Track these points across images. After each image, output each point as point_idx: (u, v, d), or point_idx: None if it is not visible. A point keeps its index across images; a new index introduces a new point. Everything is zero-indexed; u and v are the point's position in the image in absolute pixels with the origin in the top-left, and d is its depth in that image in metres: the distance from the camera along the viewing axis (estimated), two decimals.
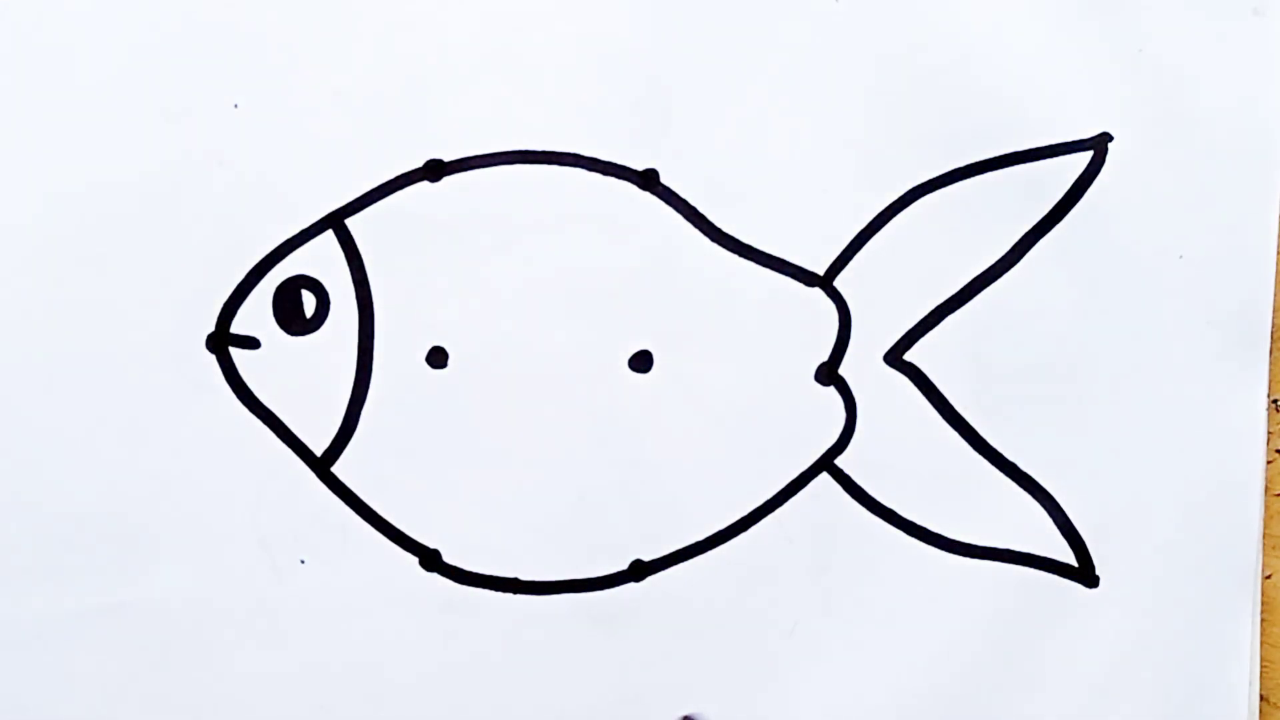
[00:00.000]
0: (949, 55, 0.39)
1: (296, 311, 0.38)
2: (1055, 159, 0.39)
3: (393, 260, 0.38)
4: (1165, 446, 0.39)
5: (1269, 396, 0.39)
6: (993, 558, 0.39)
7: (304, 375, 0.38)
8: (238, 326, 0.38)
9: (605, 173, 0.38)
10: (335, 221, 0.38)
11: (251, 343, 0.38)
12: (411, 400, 0.38)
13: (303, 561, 0.37)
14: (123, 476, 0.37)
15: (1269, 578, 0.39)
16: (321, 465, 0.38)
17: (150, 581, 0.37)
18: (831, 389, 0.39)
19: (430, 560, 0.38)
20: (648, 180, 0.39)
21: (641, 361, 0.39)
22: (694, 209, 0.39)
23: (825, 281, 0.39)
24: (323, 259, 0.38)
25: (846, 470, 0.39)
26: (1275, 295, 0.39)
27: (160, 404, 0.37)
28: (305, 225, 0.38)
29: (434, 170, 0.38)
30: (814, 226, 0.39)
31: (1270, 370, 0.39)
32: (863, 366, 0.39)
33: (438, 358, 0.38)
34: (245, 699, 0.37)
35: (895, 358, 0.39)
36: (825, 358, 0.39)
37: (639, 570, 0.38)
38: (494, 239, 0.38)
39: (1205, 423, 0.39)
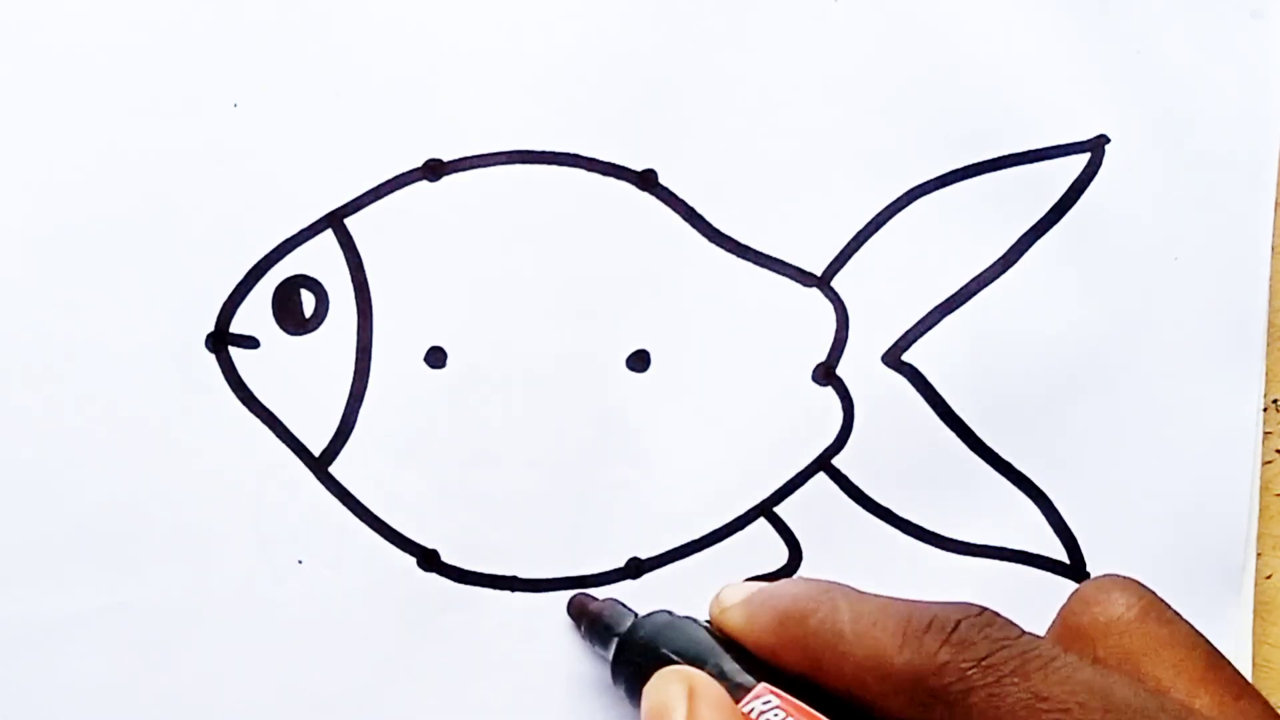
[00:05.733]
0: (947, 56, 0.39)
1: (295, 311, 0.38)
2: (1053, 160, 0.39)
3: (392, 260, 0.38)
4: (1159, 446, 0.40)
5: (1269, 397, 0.40)
6: (987, 555, 0.40)
7: (303, 375, 0.38)
8: (237, 326, 0.38)
9: (604, 173, 0.38)
10: (334, 221, 0.38)
11: (250, 342, 0.38)
12: (410, 400, 0.38)
13: (300, 562, 0.37)
14: (121, 476, 0.37)
15: (1269, 578, 0.40)
16: (319, 465, 0.38)
17: (147, 581, 0.37)
18: (829, 389, 0.39)
19: (428, 560, 0.38)
20: (646, 180, 0.39)
21: (639, 361, 0.39)
22: (692, 209, 0.39)
23: (823, 282, 0.39)
24: (322, 258, 0.38)
25: (843, 470, 0.39)
26: (1271, 297, 0.40)
27: (159, 403, 0.37)
28: (304, 225, 0.38)
29: (433, 170, 0.38)
30: (812, 227, 0.39)
31: (1268, 371, 0.40)
32: (860, 367, 0.39)
33: (437, 358, 0.38)
34: (244, 699, 0.37)
35: (893, 358, 0.39)
36: (823, 358, 0.39)
37: (636, 568, 0.39)
38: (493, 239, 0.38)
39: (1198, 423, 0.40)
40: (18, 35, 0.37)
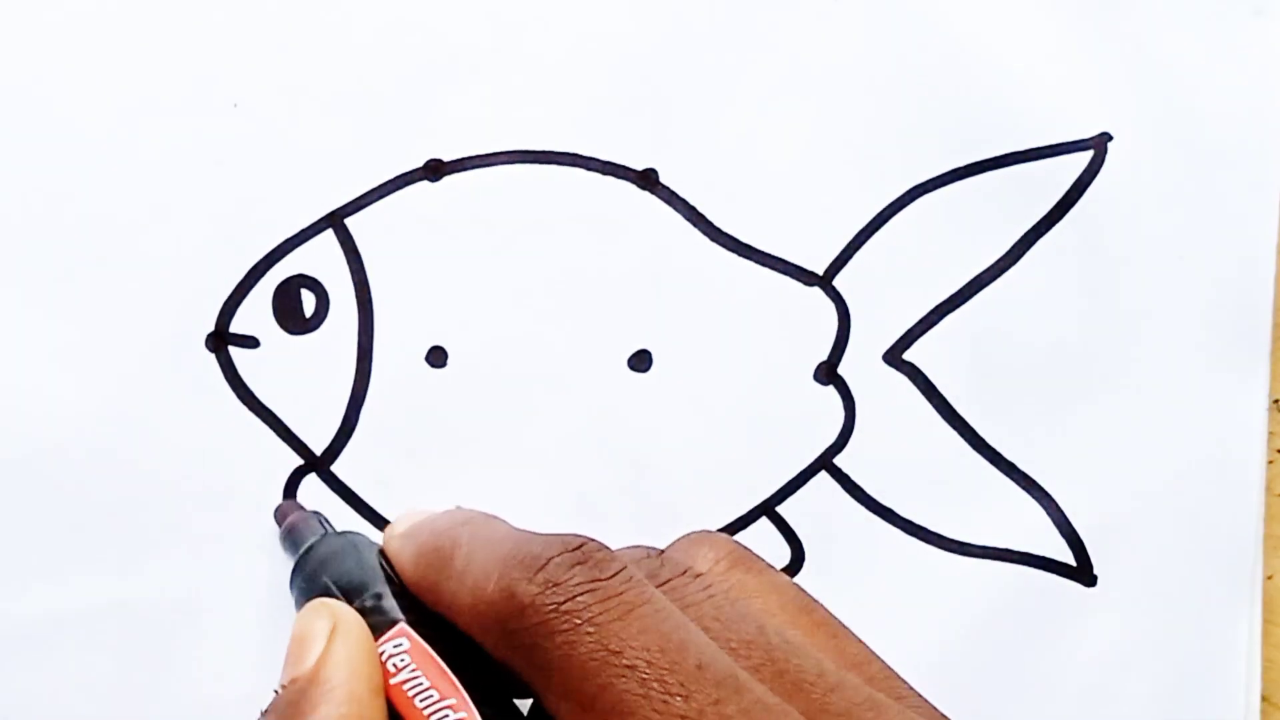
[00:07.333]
0: (948, 55, 0.39)
1: (296, 311, 0.38)
2: (1055, 159, 0.39)
3: (392, 259, 0.38)
4: (1164, 446, 0.39)
5: (1270, 396, 0.39)
6: (991, 557, 0.39)
7: (303, 374, 0.38)
8: (237, 326, 0.38)
9: (604, 172, 0.38)
10: (335, 221, 0.38)
11: (251, 342, 0.38)
12: (411, 400, 0.38)
13: None
14: (121, 476, 0.37)
15: (1270, 578, 0.39)
16: (321, 465, 0.38)
17: (148, 581, 0.37)
18: (830, 388, 0.39)
19: None
20: (647, 180, 0.39)
21: (641, 361, 0.39)
22: (693, 209, 0.39)
23: (824, 281, 0.39)
24: (322, 258, 0.38)
25: (845, 469, 0.39)
26: (1275, 295, 0.39)
27: (159, 403, 0.37)
28: (305, 225, 0.38)
29: (434, 170, 0.38)
30: (813, 226, 0.39)
31: (1271, 370, 0.39)
32: (862, 366, 0.39)
33: (437, 357, 0.38)
34: (244, 698, 0.37)
35: (894, 357, 0.39)
36: (824, 357, 0.39)
37: None
38: (494, 239, 0.38)
39: (1204, 423, 0.39)
40: (18, 35, 0.37)
